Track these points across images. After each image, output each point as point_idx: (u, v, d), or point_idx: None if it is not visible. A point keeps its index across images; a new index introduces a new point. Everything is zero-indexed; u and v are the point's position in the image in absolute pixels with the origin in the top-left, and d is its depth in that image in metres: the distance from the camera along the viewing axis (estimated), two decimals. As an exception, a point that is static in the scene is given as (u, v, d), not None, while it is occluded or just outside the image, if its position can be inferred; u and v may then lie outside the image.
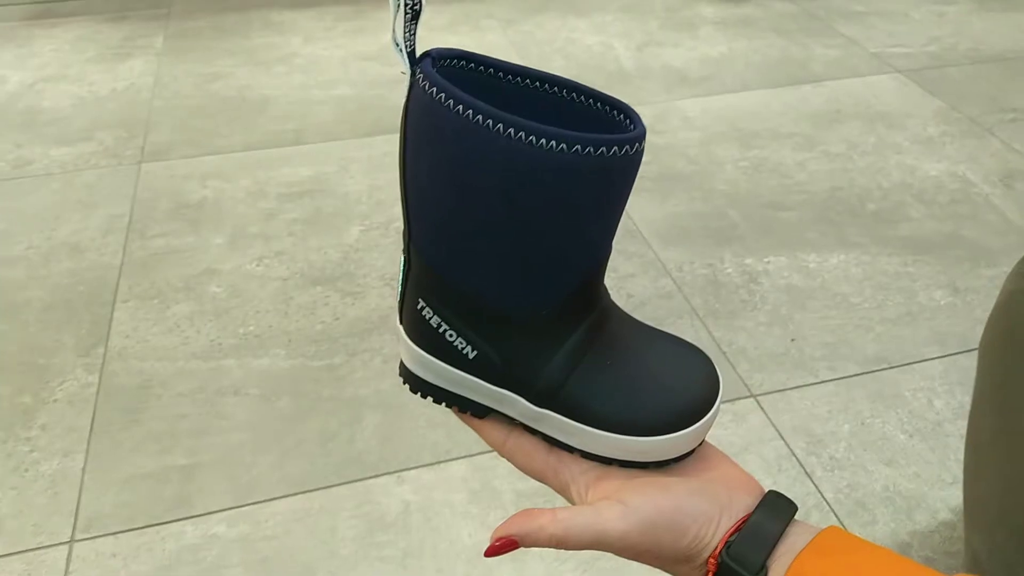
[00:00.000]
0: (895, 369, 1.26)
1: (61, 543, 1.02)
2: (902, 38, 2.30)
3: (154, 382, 1.23)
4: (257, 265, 1.46)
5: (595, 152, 0.30)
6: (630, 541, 0.34)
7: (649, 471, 0.36)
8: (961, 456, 1.14)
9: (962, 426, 1.16)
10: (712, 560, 0.33)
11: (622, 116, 0.33)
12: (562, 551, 1.00)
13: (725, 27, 2.37)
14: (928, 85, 2.06)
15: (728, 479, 0.37)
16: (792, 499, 0.36)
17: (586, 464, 0.37)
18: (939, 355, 1.28)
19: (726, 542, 0.33)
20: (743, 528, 0.34)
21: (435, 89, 0.31)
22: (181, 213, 1.59)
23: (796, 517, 0.35)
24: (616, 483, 0.36)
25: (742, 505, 0.35)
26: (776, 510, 0.34)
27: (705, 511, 0.34)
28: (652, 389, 0.35)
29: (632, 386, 0.35)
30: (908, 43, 2.27)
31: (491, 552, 0.36)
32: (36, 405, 1.20)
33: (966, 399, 1.21)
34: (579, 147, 0.30)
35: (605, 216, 0.33)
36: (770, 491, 0.35)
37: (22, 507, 1.06)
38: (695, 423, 0.35)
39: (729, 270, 1.46)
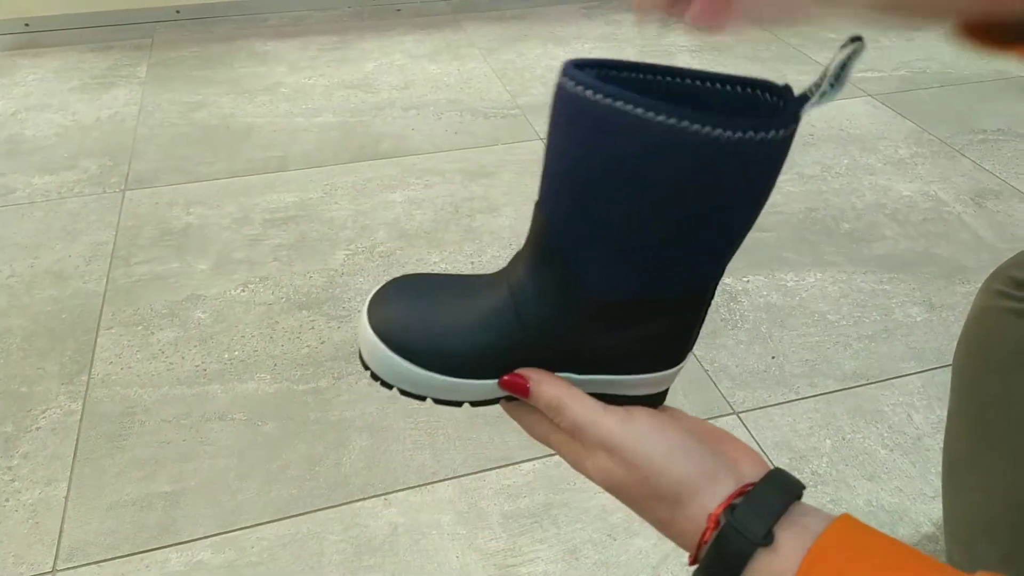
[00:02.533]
0: (874, 385, 1.28)
1: (43, 573, 1.01)
2: (873, 63, 2.36)
3: (138, 408, 1.23)
4: (242, 290, 1.46)
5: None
6: (619, 440, 0.35)
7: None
8: (941, 470, 1.16)
9: (942, 440, 1.18)
10: (714, 517, 0.33)
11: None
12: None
13: (701, 54, 2.42)
14: (899, 108, 2.11)
15: (736, 450, 0.37)
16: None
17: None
18: (917, 370, 1.31)
19: (731, 504, 0.33)
20: (749, 494, 0.33)
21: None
22: (165, 240, 1.60)
23: None
24: (628, 406, 0.37)
25: (748, 473, 0.35)
26: (784, 484, 0.34)
27: (700, 455, 0.35)
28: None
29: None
30: (879, 67, 2.34)
31: (504, 383, 0.38)
32: (18, 433, 1.19)
33: (945, 413, 1.23)
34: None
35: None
36: (776, 468, 0.35)
37: (2, 537, 1.05)
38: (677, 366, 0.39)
39: (710, 290, 1.48)
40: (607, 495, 1.10)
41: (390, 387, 0.39)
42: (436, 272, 0.43)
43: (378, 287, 0.42)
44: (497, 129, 2.00)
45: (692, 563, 0.35)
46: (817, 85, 0.30)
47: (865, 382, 1.28)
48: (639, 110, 0.29)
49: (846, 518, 0.33)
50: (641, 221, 0.32)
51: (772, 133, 0.29)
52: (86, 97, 2.14)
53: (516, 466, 1.14)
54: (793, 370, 1.31)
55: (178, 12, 2.63)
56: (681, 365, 0.39)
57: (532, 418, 0.39)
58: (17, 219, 1.66)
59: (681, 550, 1.02)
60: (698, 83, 0.33)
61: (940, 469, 1.15)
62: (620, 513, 1.08)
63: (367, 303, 0.41)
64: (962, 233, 1.63)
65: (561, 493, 1.11)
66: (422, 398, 0.39)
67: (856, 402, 1.25)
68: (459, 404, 0.39)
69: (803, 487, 0.35)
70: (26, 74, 2.27)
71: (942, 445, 1.17)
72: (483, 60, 2.37)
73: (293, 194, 1.74)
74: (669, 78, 0.33)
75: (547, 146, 0.33)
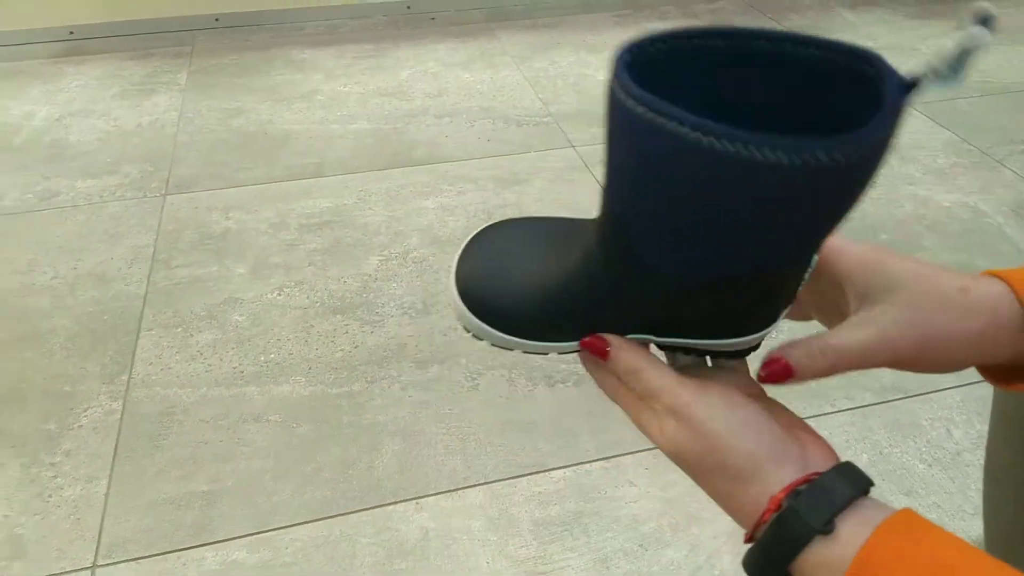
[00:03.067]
0: (912, 398, 1.26)
1: (83, 568, 1.03)
2: (911, 71, 2.33)
3: (177, 409, 1.25)
4: (278, 294, 1.49)
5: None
6: (692, 411, 0.35)
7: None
8: (981, 486, 1.14)
9: (982, 455, 1.15)
10: (775, 500, 0.33)
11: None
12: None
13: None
14: (938, 117, 2.08)
15: (810, 439, 0.37)
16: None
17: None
18: (956, 384, 1.28)
19: (794, 489, 0.33)
20: (814, 482, 0.33)
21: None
22: (205, 244, 1.63)
23: None
24: (699, 375, 0.38)
25: (818, 462, 0.35)
26: (852, 477, 0.34)
27: (774, 435, 0.35)
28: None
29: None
30: (917, 77, 2.30)
31: (584, 343, 0.39)
32: (61, 431, 1.22)
33: (985, 428, 1.20)
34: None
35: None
36: (846, 461, 0.35)
37: (45, 532, 1.08)
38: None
39: (744, 300, 1.47)
40: (638, 504, 1.10)
41: (482, 339, 0.41)
42: (524, 218, 0.43)
43: (468, 239, 0.42)
44: (529, 137, 2.01)
45: (748, 540, 0.35)
46: (935, 71, 0.25)
47: (903, 395, 1.26)
48: (692, 133, 0.26)
49: (907, 512, 0.32)
50: (699, 227, 0.30)
51: (849, 154, 0.25)
52: (128, 103, 2.19)
53: (547, 473, 1.15)
54: (829, 382, 1.29)
55: (217, 20, 2.69)
56: (773, 326, 0.37)
57: (605, 375, 0.40)
58: (61, 222, 1.70)
59: (713, 564, 1.01)
60: (787, 47, 0.28)
61: (979, 485, 1.13)
62: (651, 523, 1.08)
63: (456, 258, 0.42)
64: (1003, 244, 1.60)
65: (592, 501, 1.11)
66: (511, 349, 0.41)
67: (894, 416, 1.23)
68: (546, 353, 0.40)
69: (871, 483, 0.34)
70: (70, 80, 2.33)
71: (982, 461, 1.14)
72: (516, 68, 2.38)
73: (328, 200, 1.76)
74: (760, 42, 0.29)
75: (605, 135, 0.31)
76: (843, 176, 0.27)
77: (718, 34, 0.29)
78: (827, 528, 0.32)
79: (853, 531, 0.32)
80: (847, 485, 0.33)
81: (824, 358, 0.36)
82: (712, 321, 0.37)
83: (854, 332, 0.37)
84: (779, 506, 0.33)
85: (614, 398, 0.40)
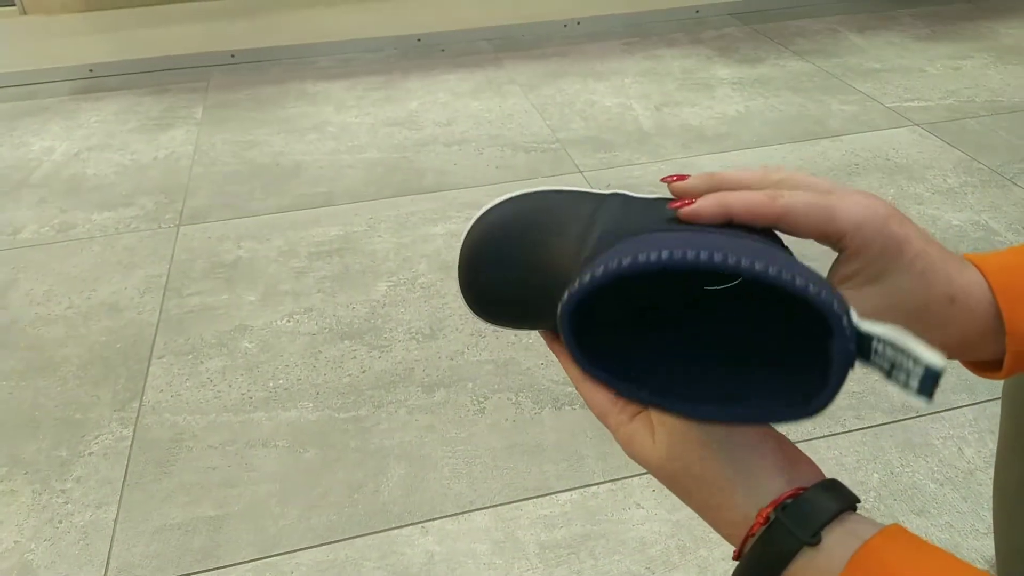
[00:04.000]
0: (923, 418, 1.24)
1: (91, 594, 1.04)
2: (919, 92, 2.33)
3: (186, 435, 1.26)
4: (288, 321, 1.50)
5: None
6: (681, 422, 0.35)
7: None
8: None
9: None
10: (763, 513, 0.33)
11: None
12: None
13: (741, 87, 2.42)
14: (947, 137, 2.08)
15: (798, 455, 0.37)
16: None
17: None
18: (968, 403, 1.27)
19: (782, 503, 0.33)
20: (802, 496, 0.33)
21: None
22: (216, 272, 1.65)
23: None
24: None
25: (805, 477, 0.35)
26: (838, 493, 0.34)
27: (763, 450, 0.35)
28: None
29: None
30: (925, 97, 2.30)
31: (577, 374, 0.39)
32: (72, 458, 1.23)
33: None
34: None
35: None
36: (833, 478, 0.35)
37: (54, 558, 1.08)
38: None
39: (751, 320, 1.46)
40: (646, 527, 1.09)
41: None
42: (539, 192, 0.43)
43: (472, 222, 0.44)
44: (537, 163, 2.03)
45: (736, 557, 0.35)
46: (902, 375, 0.28)
47: (914, 414, 1.25)
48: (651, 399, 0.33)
49: (896, 527, 0.32)
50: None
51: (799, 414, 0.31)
52: (144, 137, 2.24)
53: (553, 496, 1.14)
54: (839, 402, 1.28)
55: (233, 56, 2.75)
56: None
57: (595, 392, 0.40)
58: (77, 253, 1.73)
59: (721, 584, 1.00)
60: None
61: (992, 504, 1.11)
62: (659, 545, 1.07)
63: (463, 247, 0.43)
64: (1015, 262, 1.59)
65: (599, 524, 1.10)
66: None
67: (905, 435, 1.22)
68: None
69: (858, 500, 0.34)
70: (88, 116, 2.39)
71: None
72: (524, 96, 2.41)
73: (338, 228, 1.79)
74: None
75: None
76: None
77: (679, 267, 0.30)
78: (814, 540, 0.32)
79: (840, 542, 0.32)
80: (833, 499, 0.33)
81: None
82: None
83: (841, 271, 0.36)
84: (767, 520, 0.33)
85: (603, 417, 0.40)
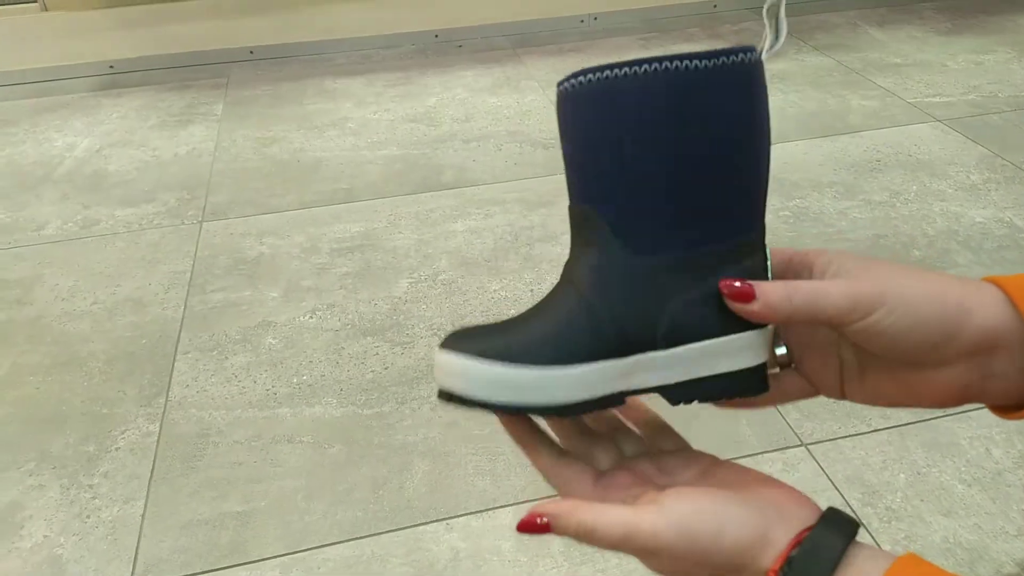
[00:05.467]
0: (950, 417, 1.24)
1: (121, 587, 1.05)
2: (940, 88, 2.31)
3: (212, 430, 1.27)
4: (310, 317, 1.51)
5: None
6: (664, 540, 0.33)
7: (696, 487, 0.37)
8: (1024, 506, 1.10)
9: (1023, 475, 1.13)
10: (772, 574, 0.33)
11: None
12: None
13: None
14: (970, 132, 2.06)
15: (778, 495, 0.36)
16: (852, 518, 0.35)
17: (635, 489, 0.38)
18: (995, 402, 1.25)
19: (787, 557, 0.33)
20: (803, 543, 0.33)
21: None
22: (239, 269, 1.66)
23: None
24: (656, 495, 0.36)
25: (798, 519, 0.34)
26: (837, 527, 0.33)
27: (747, 518, 0.34)
28: None
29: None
30: (947, 92, 2.28)
31: (522, 526, 0.36)
32: (99, 453, 1.25)
33: (1026, 447, 1.18)
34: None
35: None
36: (829, 508, 0.35)
37: (83, 552, 1.10)
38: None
39: (774, 318, 1.45)
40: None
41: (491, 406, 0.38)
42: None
43: (443, 340, 0.41)
44: (555, 159, 2.02)
45: None
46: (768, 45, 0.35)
47: (941, 414, 1.24)
48: (626, 71, 0.35)
49: (907, 560, 0.32)
50: (659, 170, 0.36)
51: (741, 56, 0.34)
52: (166, 134, 2.26)
53: (578, 494, 1.14)
54: (863, 401, 1.27)
55: (252, 52, 2.76)
56: (769, 327, 0.39)
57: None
58: (100, 249, 1.75)
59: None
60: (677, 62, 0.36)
61: (1022, 506, 1.10)
62: (684, 544, 1.07)
63: (440, 349, 0.40)
64: (1041, 260, 1.57)
65: (623, 522, 1.10)
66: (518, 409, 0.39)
67: (931, 435, 1.21)
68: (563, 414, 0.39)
69: (857, 525, 0.34)
70: (110, 112, 2.40)
71: (1025, 481, 1.12)
72: (542, 92, 2.41)
73: (359, 224, 1.79)
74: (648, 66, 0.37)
75: (565, 152, 0.38)
76: (742, 77, 0.35)
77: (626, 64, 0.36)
78: None
79: None
80: (836, 536, 0.33)
81: (796, 291, 0.35)
82: (712, 311, 0.37)
83: (836, 282, 0.36)
84: None
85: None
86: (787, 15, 0.38)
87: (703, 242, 0.37)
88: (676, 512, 0.34)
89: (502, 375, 0.37)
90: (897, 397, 0.37)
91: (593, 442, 0.42)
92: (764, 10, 0.37)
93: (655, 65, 0.35)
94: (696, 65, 0.34)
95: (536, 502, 0.38)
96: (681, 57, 0.35)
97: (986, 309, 0.34)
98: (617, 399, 0.38)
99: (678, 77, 0.34)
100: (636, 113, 0.35)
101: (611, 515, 0.35)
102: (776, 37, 0.36)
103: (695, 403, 0.39)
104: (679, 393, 0.38)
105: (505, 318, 0.40)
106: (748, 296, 0.36)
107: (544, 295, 0.40)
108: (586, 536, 0.35)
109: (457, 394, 0.38)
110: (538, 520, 0.36)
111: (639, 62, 0.35)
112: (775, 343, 0.40)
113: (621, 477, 0.39)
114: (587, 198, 0.37)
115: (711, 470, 0.39)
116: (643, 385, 0.38)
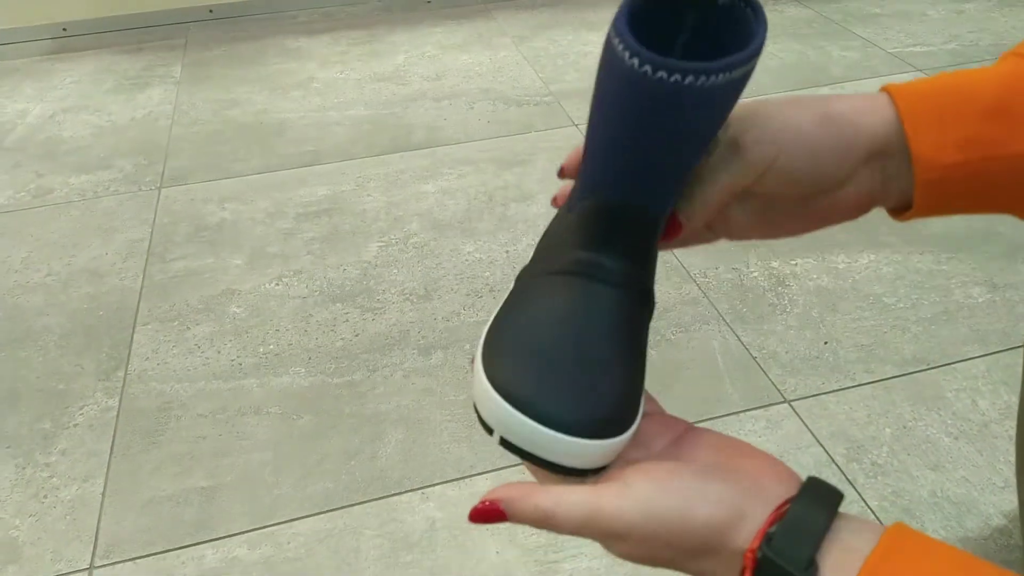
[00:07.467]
0: (935, 370, 1.21)
1: (81, 570, 1.00)
2: (921, 37, 2.26)
3: (174, 404, 1.22)
4: (276, 284, 1.45)
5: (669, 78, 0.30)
6: (629, 522, 0.30)
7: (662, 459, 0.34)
8: (1012, 458, 1.09)
9: (1010, 427, 1.11)
10: (750, 553, 0.29)
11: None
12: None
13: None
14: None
15: (755, 467, 0.33)
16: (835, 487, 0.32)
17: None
18: (980, 354, 1.23)
19: (765, 534, 0.29)
20: (784, 518, 0.30)
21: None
22: (200, 236, 1.59)
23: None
24: (620, 472, 0.32)
25: (777, 492, 0.31)
26: (820, 498, 0.30)
27: (720, 493, 0.30)
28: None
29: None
30: (927, 42, 2.24)
31: (474, 515, 0.33)
32: (56, 430, 1.19)
33: (1013, 399, 1.15)
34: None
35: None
36: (810, 477, 0.32)
37: (40, 534, 1.04)
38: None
39: (755, 274, 1.42)
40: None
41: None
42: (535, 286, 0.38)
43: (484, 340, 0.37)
44: (530, 116, 1.96)
45: None
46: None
47: (926, 367, 1.21)
48: (724, 75, 0.31)
49: (894, 532, 0.29)
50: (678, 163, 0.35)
51: (705, 79, 0.30)
52: (122, 98, 2.16)
53: (557, 458, 1.10)
54: (848, 355, 1.24)
55: (211, 12, 2.65)
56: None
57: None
58: (54, 219, 1.67)
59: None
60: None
61: (1009, 457, 1.08)
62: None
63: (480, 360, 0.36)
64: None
65: (605, 486, 1.06)
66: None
67: (917, 388, 1.18)
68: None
69: (841, 495, 0.31)
70: (63, 77, 2.29)
71: (1011, 432, 1.09)
72: (515, 48, 2.33)
73: (326, 187, 1.72)
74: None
75: (633, 141, 0.34)
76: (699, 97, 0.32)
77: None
78: (809, 572, 0.28)
79: (839, 565, 0.28)
80: (818, 510, 0.30)
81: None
82: None
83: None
84: (755, 561, 0.29)
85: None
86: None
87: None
88: (642, 490, 0.31)
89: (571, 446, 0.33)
90: (808, 226, 0.38)
91: None
92: None
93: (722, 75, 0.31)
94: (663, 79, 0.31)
95: (516, 467, 0.34)
96: (662, 65, 0.31)
97: (874, 115, 0.35)
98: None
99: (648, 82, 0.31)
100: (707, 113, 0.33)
101: (571, 497, 0.31)
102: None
103: None
104: None
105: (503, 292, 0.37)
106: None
107: (520, 256, 0.36)
108: (544, 521, 0.32)
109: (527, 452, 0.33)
110: (490, 506, 0.32)
111: (713, 69, 0.31)
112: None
113: None
114: (640, 195, 0.35)
115: (686, 438, 0.35)
116: None
